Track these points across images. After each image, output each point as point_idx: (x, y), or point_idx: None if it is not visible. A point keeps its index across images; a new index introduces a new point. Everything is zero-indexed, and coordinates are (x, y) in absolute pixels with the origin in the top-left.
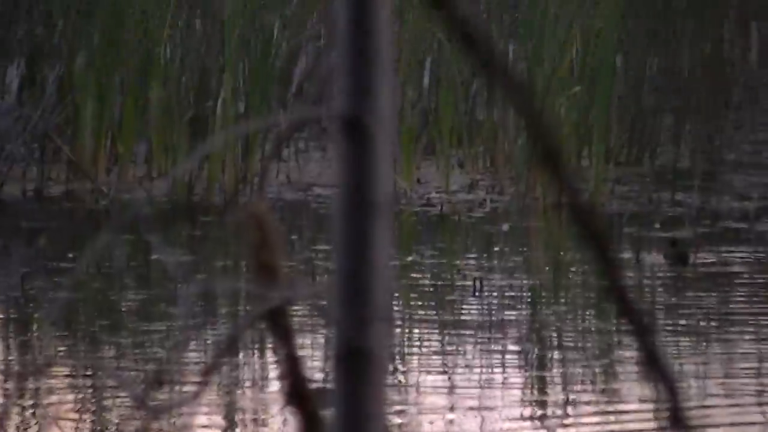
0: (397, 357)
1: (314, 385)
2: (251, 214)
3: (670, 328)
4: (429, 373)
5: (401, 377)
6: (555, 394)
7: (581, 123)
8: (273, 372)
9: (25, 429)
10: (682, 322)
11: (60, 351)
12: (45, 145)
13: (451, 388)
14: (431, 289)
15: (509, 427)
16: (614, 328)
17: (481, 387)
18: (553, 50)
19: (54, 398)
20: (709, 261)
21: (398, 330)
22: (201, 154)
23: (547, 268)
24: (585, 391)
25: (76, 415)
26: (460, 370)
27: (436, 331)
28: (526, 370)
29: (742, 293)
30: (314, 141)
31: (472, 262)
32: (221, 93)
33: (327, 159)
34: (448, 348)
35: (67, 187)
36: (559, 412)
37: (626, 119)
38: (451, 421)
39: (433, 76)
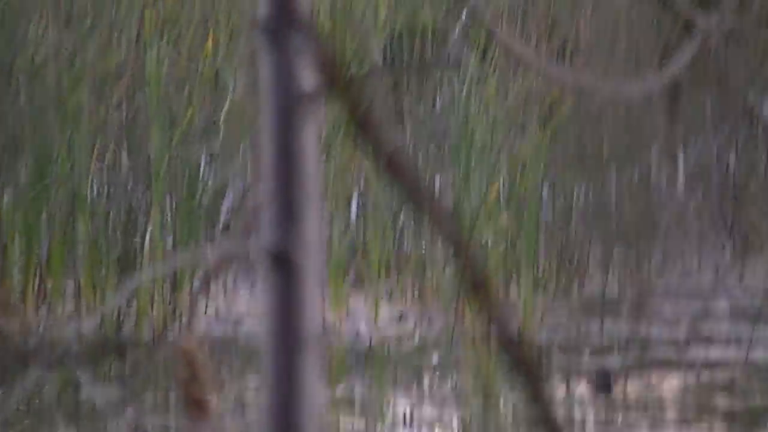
0: None
1: None
2: (180, 350)
3: None
4: None
5: None
6: None
7: (509, 252)
8: None
9: None
10: None
11: None
12: None
13: None
14: (362, 423)
15: None
16: None
17: None
18: (481, 180)
19: None
20: (638, 388)
21: None
22: (129, 289)
23: (477, 398)
24: None
25: None
26: None
27: None
28: None
29: (673, 420)
30: (243, 275)
31: (401, 394)
32: (148, 228)
33: (255, 293)
34: None
35: None
36: None
37: (554, 248)
38: None
39: (361, 208)
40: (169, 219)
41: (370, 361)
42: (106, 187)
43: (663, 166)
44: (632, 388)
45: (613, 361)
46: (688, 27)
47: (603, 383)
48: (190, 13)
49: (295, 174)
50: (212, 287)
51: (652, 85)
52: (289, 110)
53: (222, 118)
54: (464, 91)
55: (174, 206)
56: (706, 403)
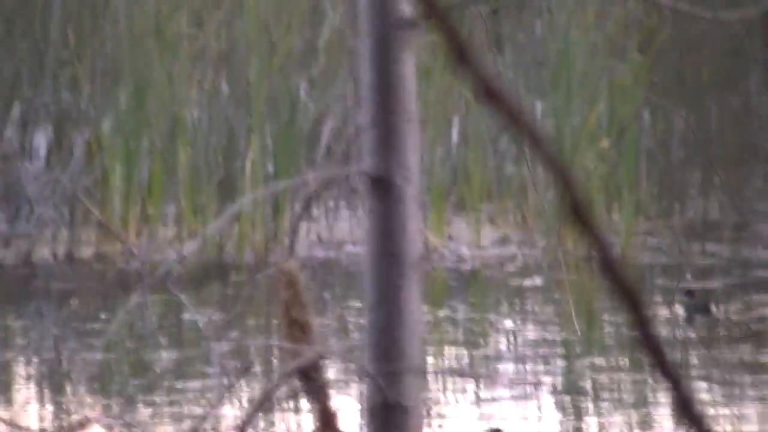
0: (432, 411)
1: None
2: (282, 273)
3: (703, 378)
4: (464, 426)
5: (436, 429)
6: None
7: (610, 177)
8: (308, 427)
9: None
10: (716, 371)
11: (95, 411)
12: (74, 208)
13: None
14: (464, 344)
15: None
16: (648, 379)
17: None
18: (581, 105)
19: None
20: (740, 310)
21: (432, 384)
22: (231, 214)
23: (580, 321)
24: None
25: None
26: (495, 424)
27: (470, 384)
28: (562, 422)
29: None
30: (344, 199)
31: (504, 316)
32: (249, 154)
33: (357, 216)
34: (483, 402)
35: (98, 249)
36: None
37: (655, 173)
38: None
39: (462, 133)
40: (269, 144)
41: (472, 284)
42: (206, 114)
43: (762, 91)
44: (733, 308)
45: (714, 282)
46: None
47: (701, 305)
48: None
49: (395, 99)
50: (313, 211)
51: (751, 11)
52: (387, 37)
53: (321, 44)
54: (564, 17)
55: (274, 132)
56: None
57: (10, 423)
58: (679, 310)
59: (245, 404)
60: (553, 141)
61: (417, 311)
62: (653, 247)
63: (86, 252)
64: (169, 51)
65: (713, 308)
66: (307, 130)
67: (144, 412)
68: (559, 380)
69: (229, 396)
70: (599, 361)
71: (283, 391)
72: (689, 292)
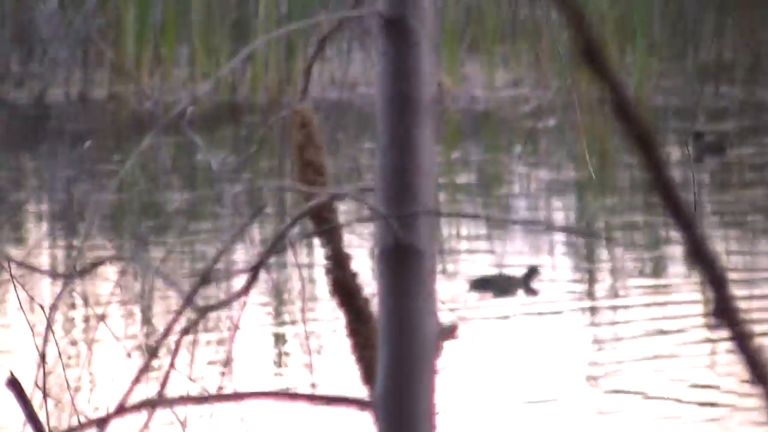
0: (445, 253)
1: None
2: (295, 114)
3: (716, 219)
4: (478, 268)
5: (449, 273)
6: (603, 285)
7: (624, 19)
8: (320, 269)
9: (72, 329)
10: (729, 213)
11: (107, 252)
12: (87, 49)
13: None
14: (477, 185)
15: (558, 317)
16: (661, 221)
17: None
18: None
19: (102, 299)
20: (753, 153)
21: (445, 226)
22: (244, 55)
23: (593, 162)
24: (633, 284)
25: (124, 315)
26: (509, 262)
27: (484, 225)
28: (574, 262)
29: None
30: (357, 41)
31: (517, 157)
32: None
33: (371, 58)
34: (497, 242)
35: (111, 90)
36: (608, 303)
37: (669, 14)
38: (503, 315)
39: None
40: None
41: (486, 126)
42: None
43: None
44: (746, 151)
45: (728, 124)
46: None
47: (715, 146)
48: None
49: None
50: (327, 53)
51: None
52: None
53: None
54: None
55: None
56: None
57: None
58: (691, 150)
59: (258, 246)
60: None
61: (430, 153)
62: (666, 88)
63: (99, 93)
64: None
65: (727, 149)
66: None
67: (156, 253)
68: (572, 221)
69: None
70: (612, 202)
71: (295, 232)
72: (698, 134)
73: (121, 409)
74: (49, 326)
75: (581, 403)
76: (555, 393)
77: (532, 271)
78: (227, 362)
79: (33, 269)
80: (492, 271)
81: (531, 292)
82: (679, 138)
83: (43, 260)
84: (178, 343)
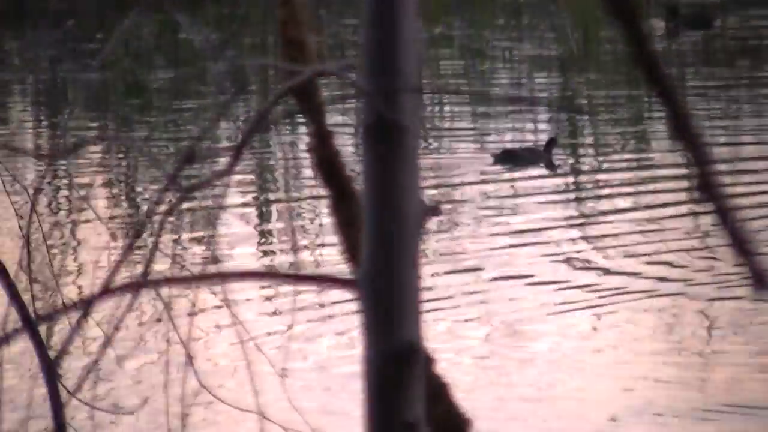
0: (428, 129)
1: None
2: None
3: (700, 92)
4: (461, 142)
5: (432, 149)
6: (587, 159)
7: None
8: (304, 146)
9: (58, 210)
10: (712, 86)
11: (91, 131)
12: None
13: (481, 156)
14: (460, 61)
15: (539, 193)
16: (644, 95)
17: (512, 152)
18: None
19: (86, 178)
20: (737, 25)
21: (428, 102)
22: None
23: (577, 36)
24: (616, 158)
25: (108, 194)
26: (490, 138)
27: (467, 101)
28: (557, 137)
29: None
30: None
31: (501, 32)
32: None
33: None
34: (479, 118)
35: None
36: (591, 177)
37: None
38: (485, 191)
39: None
40: None
41: (470, 0)
42: None
43: None
44: (731, 23)
45: None
46: None
47: (700, 18)
48: None
49: None
50: None
51: None
52: None
53: None
54: None
55: None
56: None
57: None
58: (669, 23)
59: (241, 123)
60: None
61: (413, 28)
62: None
63: None
64: None
65: (713, 22)
66: None
67: (140, 132)
68: (555, 96)
69: (225, 115)
70: (595, 76)
71: (279, 110)
72: (673, 8)
73: (106, 291)
74: (33, 208)
75: (560, 278)
76: (534, 269)
77: (552, 142)
78: (212, 242)
79: (16, 150)
80: (514, 145)
81: (551, 165)
82: (661, 10)
83: (27, 141)
84: (162, 224)
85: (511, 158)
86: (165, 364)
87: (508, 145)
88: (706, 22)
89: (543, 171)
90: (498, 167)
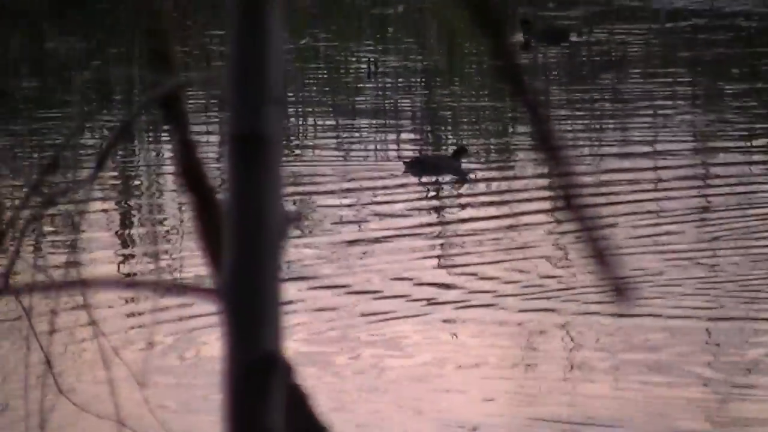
0: (293, 141)
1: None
2: (144, 1)
3: (564, 105)
4: (324, 156)
5: (297, 161)
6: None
7: None
8: (168, 156)
9: None
10: (577, 101)
11: None
12: None
13: (346, 171)
14: (325, 73)
15: (403, 206)
16: (509, 108)
17: (376, 168)
18: None
19: None
20: (602, 39)
21: (293, 114)
22: None
23: (442, 49)
24: (479, 168)
25: None
26: (354, 154)
27: (331, 114)
28: (419, 149)
29: (636, 71)
30: None
31: (366, 44)
32: None
33: None
34: (343, 131)
35: None
36: (452, 189)
37: None
38: (347, 203)
39: None
40: None
41: (335, 12)
42: None
43: None
44: (596, 37)
45: (578, 11)
46: None
47: (559, 32)
48: None
49: None
50: None
51: None
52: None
53: None
54: None
55: None
56: (671, 53)
57: None
58: (522, 36)
59: (106, 133)
60: None
61: (278, 41)
62: None
63: None
64: None
65: (572, 36)
66: None
67: (4, 141)
68: (418, 106)
69: (89, 125)
70: (460, 89)
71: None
72: (525, 21)
73: None
74: None
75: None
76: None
77: (461, 150)
78: (74, 250)
79: None
80: (421, 153)
81: (461, 173)
82: (523, 25)
83: None
84: (23, 231)
85: (421, 166)
86: (25, 371)
87: (416, 153)
88: (561, 36)
89: (451, 178)
90: (408, 175)
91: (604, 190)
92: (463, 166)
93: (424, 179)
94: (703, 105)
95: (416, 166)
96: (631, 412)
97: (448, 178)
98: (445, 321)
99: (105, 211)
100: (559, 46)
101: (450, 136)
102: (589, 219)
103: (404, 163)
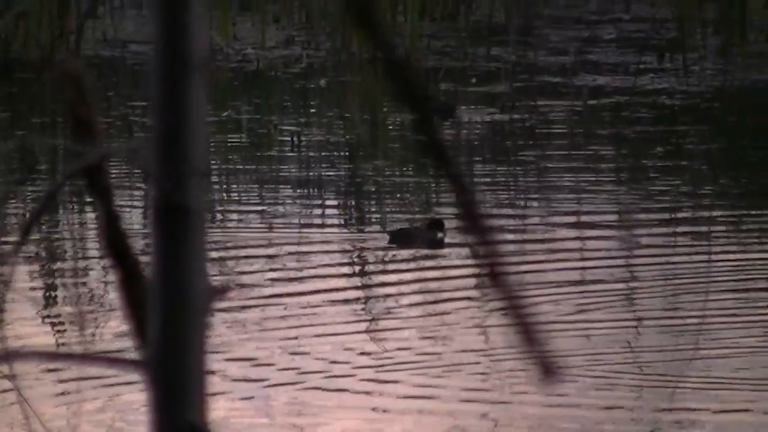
0: (216, 212)
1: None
2: (67, 71)
3: (488, 181)
4: (248, 227)
5: (221, 232)
6: (374, 244)
7: None
8: (92, 228)
9: None
10: (502, 176)
11: None
12: None
13: (271, 243)
14: (248, 145)
15: (329, 271)
16: (433, 183)
17: (299, 241)
18: None
19: None
20: (526, 112)
21: (216, 186)
22: (17, 10)
23: (364, 123)
24: (402, 248)
25: None
26: (279, 223)
27: (255, 186)
28: (345, 224)
29: (561, 147)
30: None
31: (289, 117)
32: None
33: (143, 16)
34: (267, 203)
35: None
36: (378, 261)
37: None
38: (272, 270)
39: None
40: None
41: (257, 85)
42: None
43: None
44: (519, 112)
45: (501, 86)
46: None
47: (447, 108)
48: None
49: None
50: (99, 10)
51: None
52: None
53: None
54: None
55: None
56: (592, 128)
57: None
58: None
59: (30, 203)
60: None
61: (202, 112)
62: (438, 49)
63: None
64: None
65: (457, 110)
66: None
67: None
68: (343, 182)
69: (13, 195)
70: (383, 163)
71: (67, 191)
72: (440, 103)
73: None
74: None
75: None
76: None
77: (437, 223)
78: None
79: None
80: (405, 224)
81: (434, 243)
82: (450, 99)
83: None
84: None
85: (404, 237)
86: None
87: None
88: (449, 111)
89: (422, 250)
90: (393, 246)
91: (527, 267)
92: (439, 236)
93: (405, 248)
94: (626, 181)
95: (399, 237)
96: None
97: (425, 247)
98: (364, 392)
99: (30, 280)
100: (448, 121)
101: (373, 209)
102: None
103: (389, 234)
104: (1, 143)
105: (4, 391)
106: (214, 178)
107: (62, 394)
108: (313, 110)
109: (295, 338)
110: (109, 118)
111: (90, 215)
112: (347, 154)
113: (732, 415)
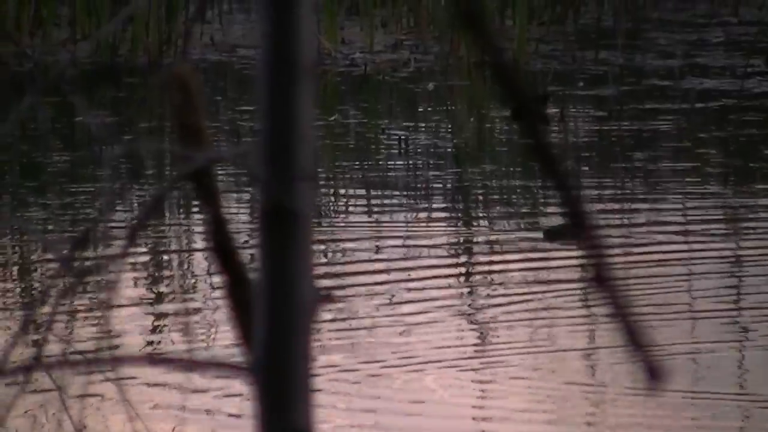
0: (323, 216)
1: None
2: (175, 76)
3: (595, 185)
4: (355, 232)
5: (327, 237)
6: (480, 251)
7: None
8: (199, 232)
9: None
10: (608, 179)
11: None
12: None
13: (378, 248)
14: (355, 150)
15: (436, 282)
16: (539, 186)
17: (406, 246)
18: None
19: None
20: (632, 118)
21: (323, 190)
22: (124, 15)
23: (472, 127)
24: (509, 249)
25: (1, 277)
26: (386, 229)
27: (362, 190)
28: (452, 228)
29: (668, 150)
30: (238, 2)
31: (396, 121)
32: None
33: (251, 20)
34: (374, 207)
35: None
36: (485, 266)
37: None
38: (379, 281)
39: None
40: None
41: (364, 89)
42: None
43: None
44: (626, 116)
45: (608, 90)
46: None
47: (539, 100)
48: None
49: None
50: (207, 14)
51: None
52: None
53: None
54: None
55: None
56: (698, 132)
57: None
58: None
59: (137, 208)
60: None
61: (309, 116)
62: (546, 53)
63: None
64: None
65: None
66: None
67: (36, 215)
68: (450, 187)
69: (120, 200)
70: (491, 168)
71: (174, 196)
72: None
73: None
74: None
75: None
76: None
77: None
78: (105, 326)
79: None
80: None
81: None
82: (557, 103)
83: None
84: (55, 307)
85: (558, 234)
86: None
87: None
88: (544, 100)
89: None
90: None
91: (634, 272)
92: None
93: (562, 245)
94: (734, 185)
95: (554, 235)
96: None
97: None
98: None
99: (135, 286)
100: (545, 109)
101: (480, 213)
102: (620, 297)
103: (544, 232)
104: (108, 148)
105: (105, 398)
106: (321, 183)
107: (164, 401)
108: (420, 114)
109: (405, 344)
110: (216, 123)
111: (197, 220)
112: (454, 157)
113: None
